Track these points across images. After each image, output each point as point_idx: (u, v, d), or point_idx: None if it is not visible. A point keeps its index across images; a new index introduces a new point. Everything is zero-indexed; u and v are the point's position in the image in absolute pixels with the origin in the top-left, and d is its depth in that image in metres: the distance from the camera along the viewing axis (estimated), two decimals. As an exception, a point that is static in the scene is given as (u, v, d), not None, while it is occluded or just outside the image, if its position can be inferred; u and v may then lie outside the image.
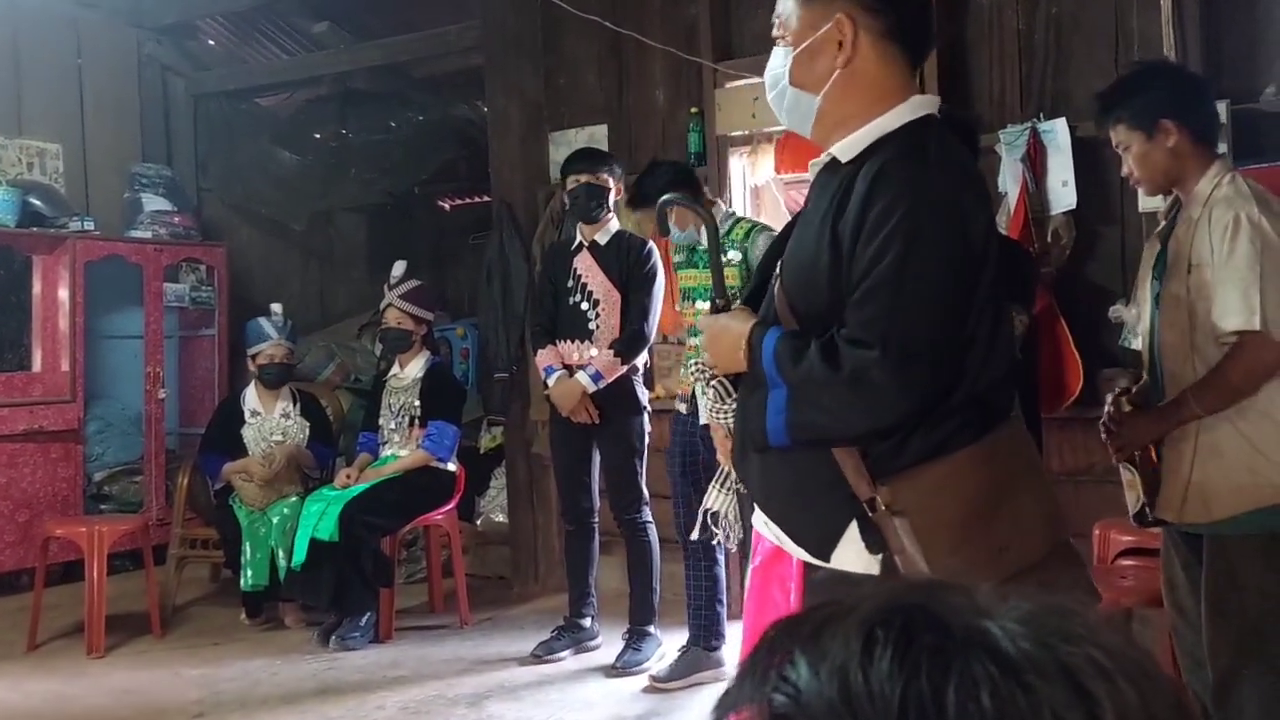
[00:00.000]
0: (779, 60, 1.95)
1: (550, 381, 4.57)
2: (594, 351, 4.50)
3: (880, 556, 1.88)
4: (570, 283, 4.55)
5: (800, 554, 1.99)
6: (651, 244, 4.57)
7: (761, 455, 1.97)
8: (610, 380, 4.42)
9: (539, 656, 4.56)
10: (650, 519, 4.54)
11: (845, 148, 1.91)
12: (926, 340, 1.80)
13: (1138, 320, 2.95)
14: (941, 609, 0.55)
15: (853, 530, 1.90)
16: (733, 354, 1.98)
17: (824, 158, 1.98)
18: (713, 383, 2.10)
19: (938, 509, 1.86)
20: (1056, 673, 0.52)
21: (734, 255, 4.05)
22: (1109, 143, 4.19)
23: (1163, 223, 2.79)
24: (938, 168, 1.85)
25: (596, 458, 4.59)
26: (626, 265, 4.49)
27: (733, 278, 3.99)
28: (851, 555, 1.90)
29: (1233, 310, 2.49)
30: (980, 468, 1.88)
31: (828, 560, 1.93)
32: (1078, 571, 2.02)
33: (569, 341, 4.55)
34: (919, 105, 1.91)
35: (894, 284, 1.79)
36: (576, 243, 4.60)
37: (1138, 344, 3.05)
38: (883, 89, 1.91)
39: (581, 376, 4.42)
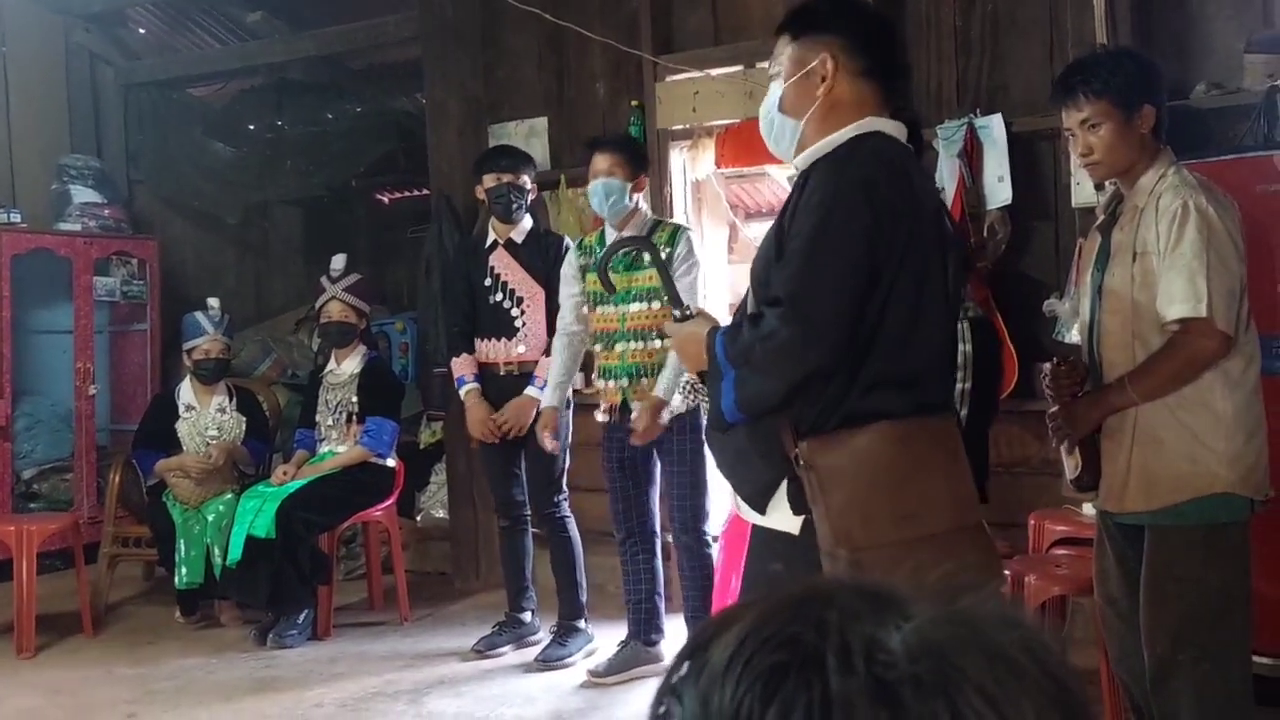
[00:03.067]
0: (773, 93, 2.26)
1: (462, 393, 4.55)
2: (521, 349, 4.48)
3: (802, 519, 2.17)
4: (488, 281, 4.52)
5: (747, 514, 2.29)
6: (569, 240, 4.55)
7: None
8: None
9: (480, 651, 4.54)
10: (569, 513, 4.54)
11: (804, 159, 2.21)
12: (828, 293, 2.04)
13: (1072, 314, 2.98)
14: (813, 621, 0.56)
15: (784, 489, 2.18)
16: (699, 357, 2.23)
17: (793, 170, 2.29)
18: (689, 385, 2.42)
19: (843, 468, 2.11)
20: (890, 701, 0.53)
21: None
22: (1045, 137, 4.31)
23: (1102, 216, 2.82)
24: (860, 161, 2.10)
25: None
26: (548, 261, 4.48)
27: (653, 279, 3.96)
28: (781, 514, 2.20)
29: (1179, 297, 2.51)
30: (894, 443, 2.10)
31: (763, 513, 2.23)
32: (983, 552, 2.21)
33: (492, 340, 4.53)
34: (872, 123, 2.17)
35: (805, 249, 2.05)
36: (491, 240, 4.57)
37: (1071, 337, 3.08)
38: (851, 116, 2.18)
39: (533, 391, 4.40)
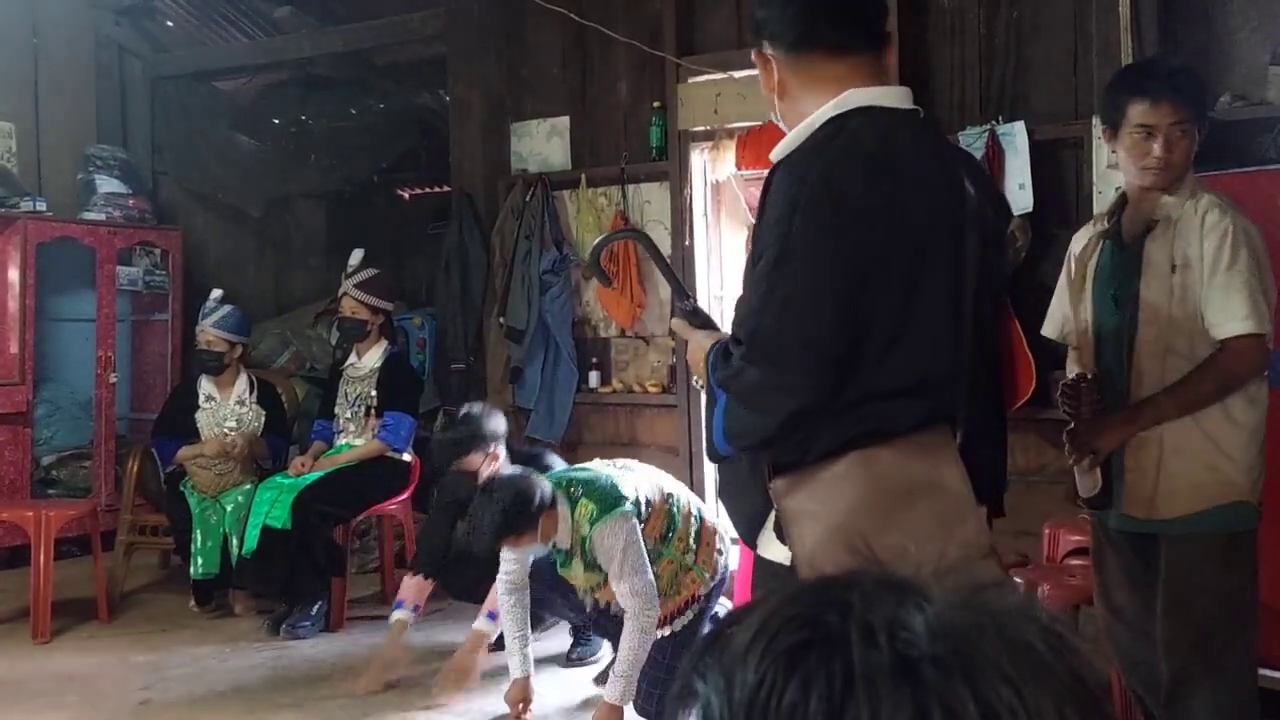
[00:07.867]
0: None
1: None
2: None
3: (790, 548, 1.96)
4: None
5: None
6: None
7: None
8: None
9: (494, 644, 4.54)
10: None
11: (777, 152, 1.96)
12: (791, 327, 1.79)
13: (1064, 318, 2.94)
14: (835, 603, 0.57)
15: (772, 519, 1.97)
16: (701, 370, 2.07)
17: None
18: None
19: (810, 510, 1.87)
20: (911, 677, 0.54)
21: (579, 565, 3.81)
22: (1067, 145, 4.30)
23: (1106, 224, 2.81)
24: (826, 157, 1.83)
25: None
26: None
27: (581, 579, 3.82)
28: (772, 545, 1.99)
29: (1240, 314, 2.53)
30: (872, 473, 1.84)
31: (755, 548, 2.05)
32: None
33: None
34: (849, 99, 1.89)
35: (761, 279, 1.83)
36: None
37: (1048, 332, 3.01)
38: (813, 93, 1.94)
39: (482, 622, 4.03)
